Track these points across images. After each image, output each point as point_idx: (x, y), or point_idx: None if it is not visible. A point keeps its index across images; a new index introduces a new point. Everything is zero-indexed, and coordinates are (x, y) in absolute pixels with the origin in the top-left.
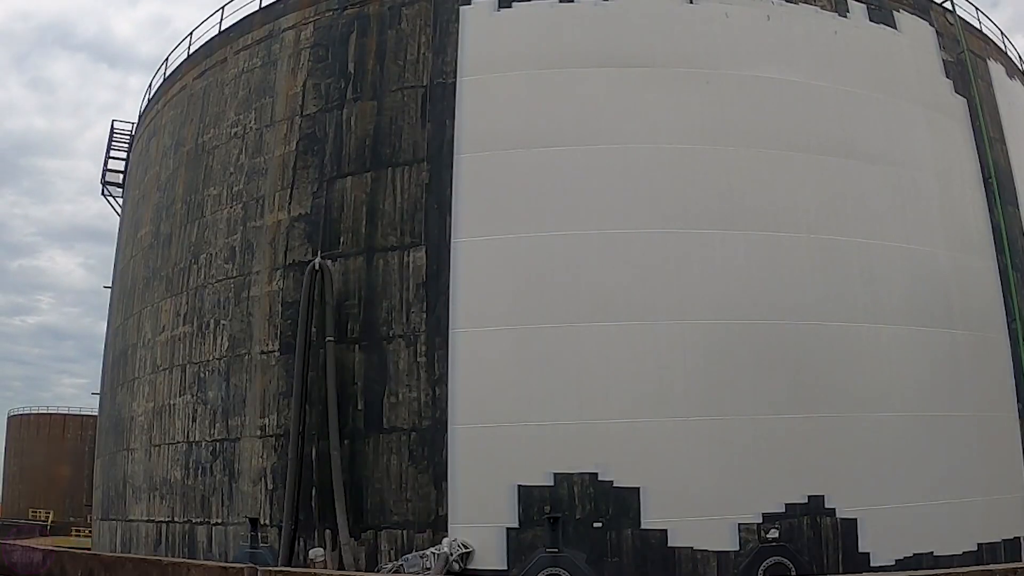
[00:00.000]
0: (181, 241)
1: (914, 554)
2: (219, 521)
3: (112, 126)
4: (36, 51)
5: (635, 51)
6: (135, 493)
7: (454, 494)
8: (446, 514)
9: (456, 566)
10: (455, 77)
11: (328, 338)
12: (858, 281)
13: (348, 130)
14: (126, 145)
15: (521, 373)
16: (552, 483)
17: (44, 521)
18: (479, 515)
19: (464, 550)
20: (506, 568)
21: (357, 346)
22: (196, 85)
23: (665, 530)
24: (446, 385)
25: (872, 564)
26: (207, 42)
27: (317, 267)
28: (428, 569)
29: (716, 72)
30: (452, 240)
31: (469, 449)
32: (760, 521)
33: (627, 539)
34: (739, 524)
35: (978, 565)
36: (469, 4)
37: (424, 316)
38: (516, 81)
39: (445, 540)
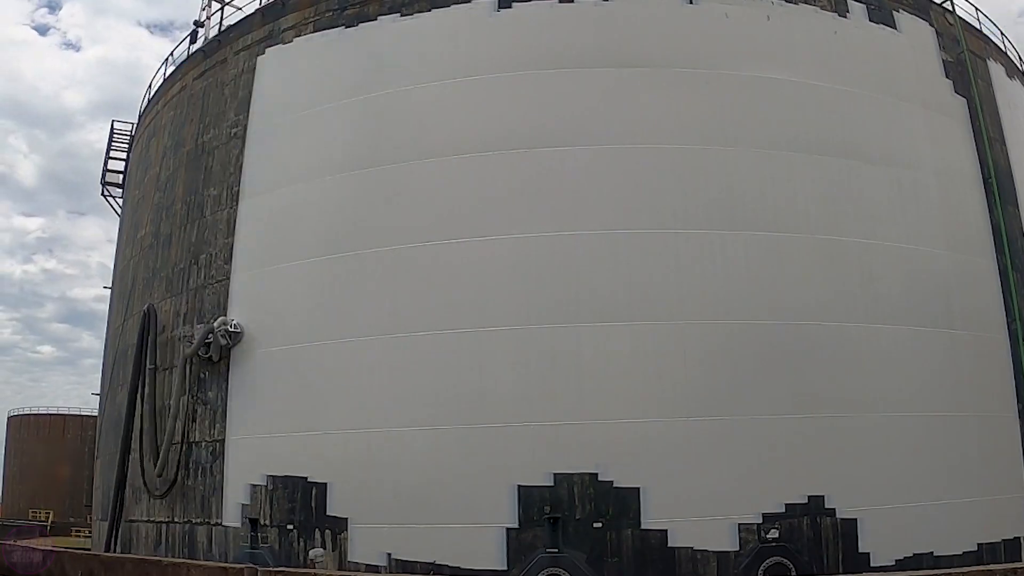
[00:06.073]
0: (181, 241)
1: (914, 554)
2: (219, 521)
3: (112, 126)
4: None
5: (635, 51)
6: (135, 493)
7: None
8: None
9: (223, 340)
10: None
11: (150, 366)
12: (858, 281)
13: None
14: (126, 145)
15: (522, 373)
16: (552, 483)
17: (44, 521)
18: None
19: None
20: (506, 568)
21: None
22: (196, 85)
23: (665, 530)
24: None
25: (872, 564)
26: (207, 42)
27: (146, 310)
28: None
29: (716, 72)
30: (455, 239)
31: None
32: (760, 521)
33: (627, 539)
34: (739, 524)
35: (978, 565)
36: (469, 2)
37: None
38: (516, 82)
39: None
